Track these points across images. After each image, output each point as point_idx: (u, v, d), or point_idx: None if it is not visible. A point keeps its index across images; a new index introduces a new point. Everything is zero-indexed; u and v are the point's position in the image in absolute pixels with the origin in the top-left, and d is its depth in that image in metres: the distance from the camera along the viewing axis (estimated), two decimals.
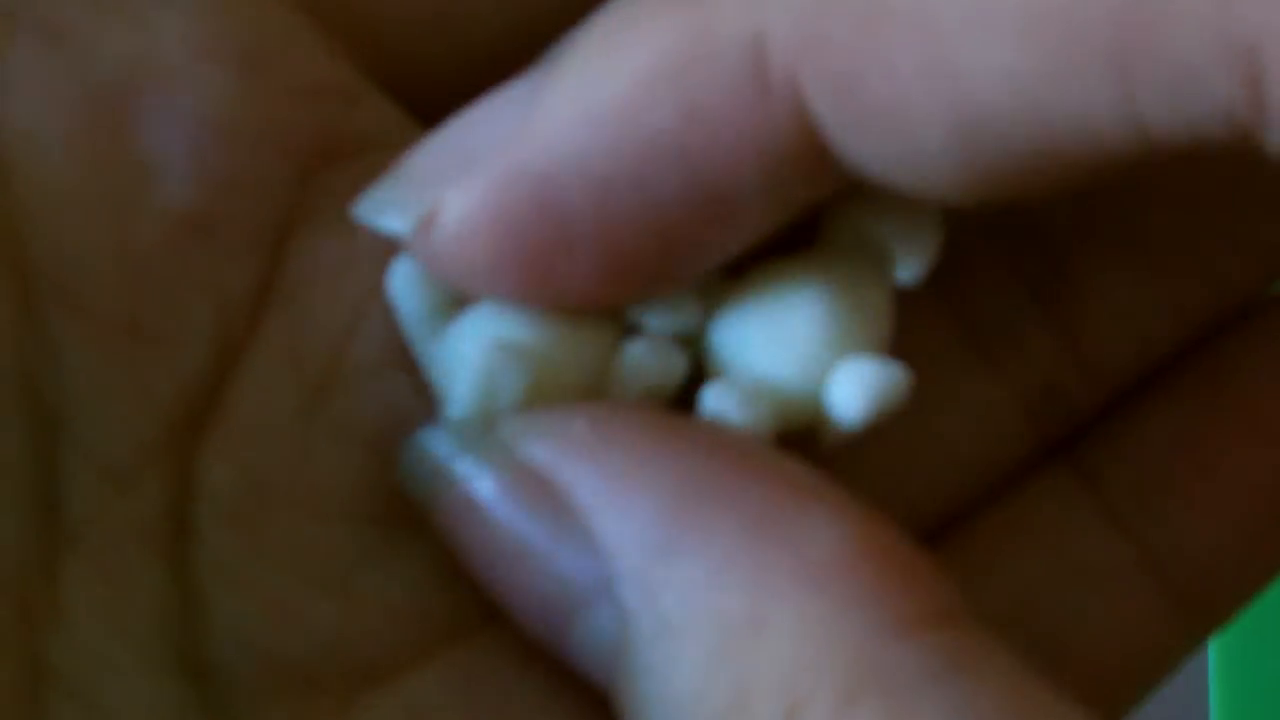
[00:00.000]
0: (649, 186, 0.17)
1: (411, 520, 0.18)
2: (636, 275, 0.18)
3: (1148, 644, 0.20)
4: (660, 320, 0.18)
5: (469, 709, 0.18)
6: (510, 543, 0.17)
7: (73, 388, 0.17)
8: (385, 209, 0.18)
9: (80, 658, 0.17)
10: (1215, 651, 0.37)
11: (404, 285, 0.18)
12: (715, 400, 0.18)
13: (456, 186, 0.17)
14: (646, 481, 0.17)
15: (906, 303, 0.18)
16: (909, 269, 0.18)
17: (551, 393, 0.18)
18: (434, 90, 0.20)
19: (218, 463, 0.18)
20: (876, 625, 0.16)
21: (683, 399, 0.18)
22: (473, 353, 0.18)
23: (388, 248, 0.18)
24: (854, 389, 0.17)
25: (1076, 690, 0.16)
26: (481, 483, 0.17)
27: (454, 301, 0.18)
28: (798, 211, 0.18)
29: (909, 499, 0.20)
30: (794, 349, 0.18)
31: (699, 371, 0.19)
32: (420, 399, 0.18)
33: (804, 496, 0.17)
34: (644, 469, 0.17)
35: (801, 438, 0.18)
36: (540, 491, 0.17)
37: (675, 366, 0.18)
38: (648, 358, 0.18)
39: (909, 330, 0.18)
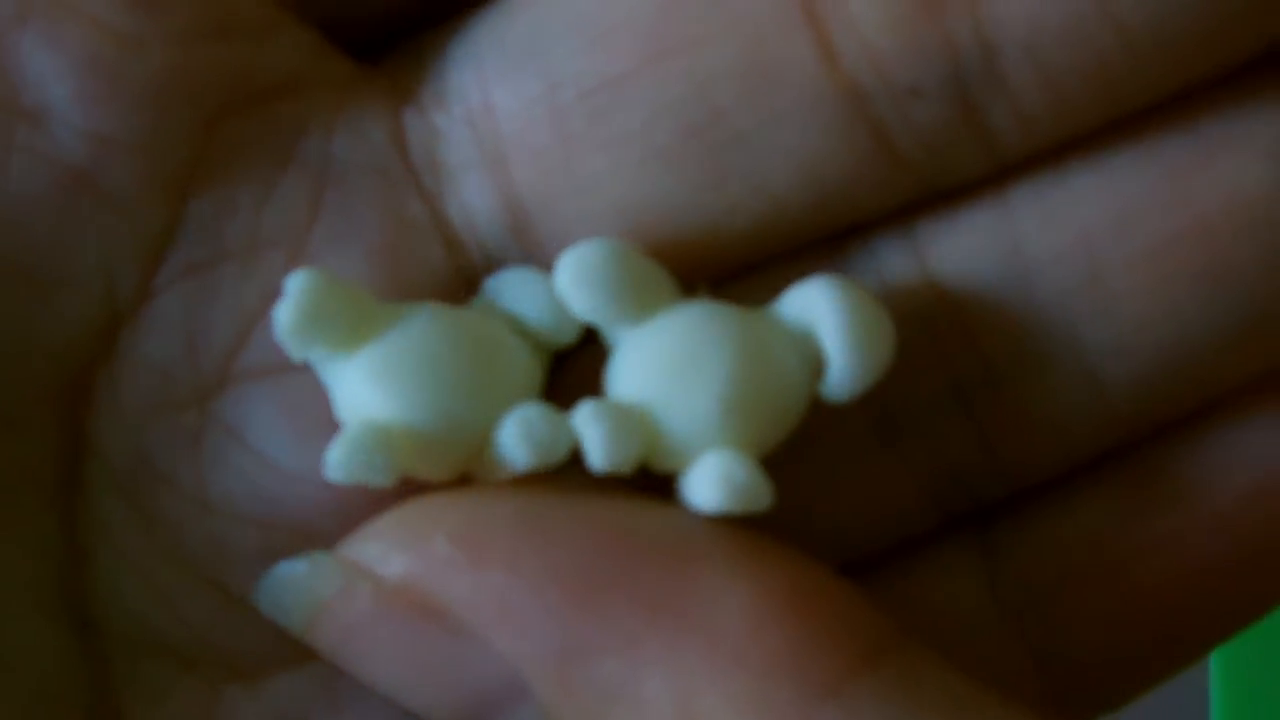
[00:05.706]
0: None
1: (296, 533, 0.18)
2: None
3: None
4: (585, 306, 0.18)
5: (328, 713, 0.18)
6: (402, 660, 0.17)
7: None
8: None
9: None
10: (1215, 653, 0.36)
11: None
12: (586, 423, 0.17)
13: None
14: (530, 588, 0.16)
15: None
16: (839, 389, 0.18)
17: (426, 469, 0.17)
18: (356, 14, 0.19)
19: (109, 429, 0.18)
20: (805, 688, 0.16)
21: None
22: (344, 432, 0.17)
23: (300, 230, 0.18)
24: (713, 483, 0.17)
25: None
26: (354, 607, 0.17)
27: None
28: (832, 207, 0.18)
29: None
30: (690, 396, 0.17)
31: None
32: (313, 408, 0.18)
33: (701, 564, 0.16)
34: (524, 576, 0.16)
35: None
36: (418, 610, 0.17)
37: (555, 447, 0.17)
38: (522, 440, 0.17)
39: (816, 410, 0.18)
